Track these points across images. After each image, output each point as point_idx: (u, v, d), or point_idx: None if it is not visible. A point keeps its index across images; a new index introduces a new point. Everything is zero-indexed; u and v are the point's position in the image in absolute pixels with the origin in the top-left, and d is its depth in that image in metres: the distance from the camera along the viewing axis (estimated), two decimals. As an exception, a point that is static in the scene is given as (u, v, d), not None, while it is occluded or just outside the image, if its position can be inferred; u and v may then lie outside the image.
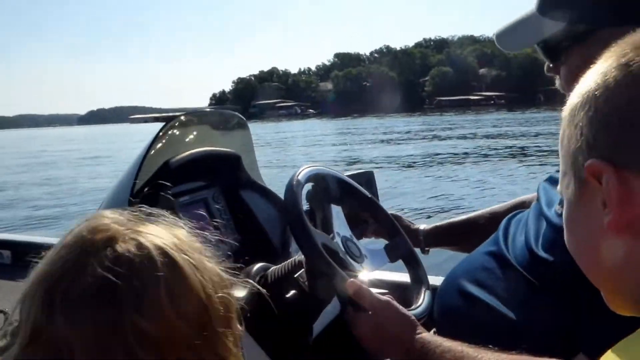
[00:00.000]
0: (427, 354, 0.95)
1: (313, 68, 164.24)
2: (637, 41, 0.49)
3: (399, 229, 1.37)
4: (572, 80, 0.99)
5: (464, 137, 24.19)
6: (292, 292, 1.13)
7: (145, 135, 1.38)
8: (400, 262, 1.32)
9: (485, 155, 15.72)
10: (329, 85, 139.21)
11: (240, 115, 1.56)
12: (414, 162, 15.13)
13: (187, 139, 1.45)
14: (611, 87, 0.48)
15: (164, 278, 0.52)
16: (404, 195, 9.56)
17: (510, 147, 18.10)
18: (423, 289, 1.23)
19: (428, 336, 0.99)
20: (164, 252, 0.54)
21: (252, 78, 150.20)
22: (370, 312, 1.03)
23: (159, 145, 1.35)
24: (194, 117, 1.44)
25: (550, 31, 1.01)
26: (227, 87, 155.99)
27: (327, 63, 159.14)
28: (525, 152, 16.18)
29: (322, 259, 1.05)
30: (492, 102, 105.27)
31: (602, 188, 0.48)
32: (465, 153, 16.89)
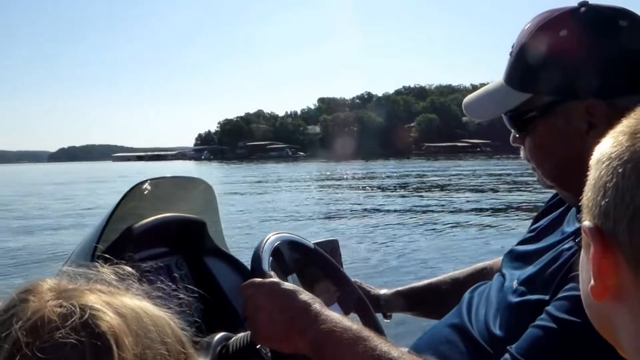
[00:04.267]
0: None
1: (298, 112, 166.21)
2: None
3: (363, 298, 1.39)
4: (536, 151, 1.05)
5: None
6: None
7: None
8: None
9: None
10: (317, 129, 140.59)
11: (206, 181, 1.56)
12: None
13: (151, 204, 1.43)
14: (613, 155, 0.47)
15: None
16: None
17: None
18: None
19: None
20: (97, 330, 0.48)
21: (239, 120, 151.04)
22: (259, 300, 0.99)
23: (123, 210, 1.33)
24: (159, 181, 1.43)
25: (517, 102, 1.03)
26: (212, 128, 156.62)
27: (312, 107, 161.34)
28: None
29: None
30: (479, 149, 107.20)
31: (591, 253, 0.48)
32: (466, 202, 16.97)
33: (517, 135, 1.08)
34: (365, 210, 15.29)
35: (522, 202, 15.46)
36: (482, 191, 20.46)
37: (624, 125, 0.49)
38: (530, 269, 1.00)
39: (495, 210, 14.15)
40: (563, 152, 1.00)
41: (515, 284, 1.00)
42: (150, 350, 0.51)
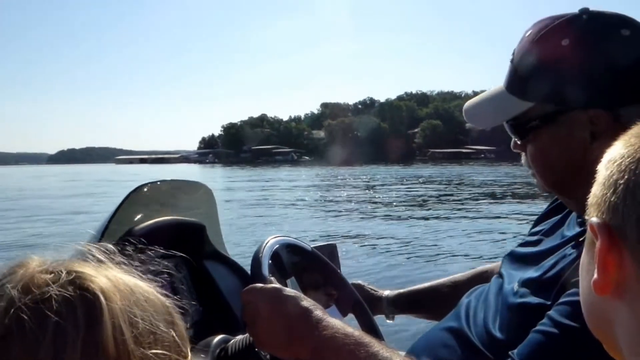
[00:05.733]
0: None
1: (302, 116, 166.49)
2: None
3: (361, 300, 1.40)
4: (538, 158, 1.03)
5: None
6: None
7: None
8: None
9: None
10: (321, 133, 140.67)
11: (206, 185, 1.57)
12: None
13: (152, 207, 1.44)
14: (625, 155, 0.48)
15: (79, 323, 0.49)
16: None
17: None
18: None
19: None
20: (87, 293, 0.51)
21: (243, 124, 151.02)
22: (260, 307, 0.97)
23: (123, 212, 1.34)
24: (160, 184, 1.44)
25: (519, 110, 1.01)
26: (216, 132, 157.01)
27: (316, 112, 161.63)
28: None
29: None
30: (483, 155, 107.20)
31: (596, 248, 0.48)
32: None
33: (519, 142, 1.07)
34: (370, 213, 15.31)
35: (525, 210, 15.45)
36: (484, 196, 20.45)
37: (635, 130, 0.51)
38: (531, 272, 1.00)
39: (498, 216, 14.15)
40: (565, 160, 1.00)
41: (516, 285, 1.00)
42: (137, 308, 0.53)
